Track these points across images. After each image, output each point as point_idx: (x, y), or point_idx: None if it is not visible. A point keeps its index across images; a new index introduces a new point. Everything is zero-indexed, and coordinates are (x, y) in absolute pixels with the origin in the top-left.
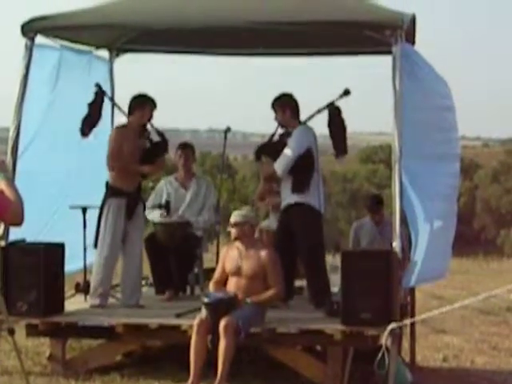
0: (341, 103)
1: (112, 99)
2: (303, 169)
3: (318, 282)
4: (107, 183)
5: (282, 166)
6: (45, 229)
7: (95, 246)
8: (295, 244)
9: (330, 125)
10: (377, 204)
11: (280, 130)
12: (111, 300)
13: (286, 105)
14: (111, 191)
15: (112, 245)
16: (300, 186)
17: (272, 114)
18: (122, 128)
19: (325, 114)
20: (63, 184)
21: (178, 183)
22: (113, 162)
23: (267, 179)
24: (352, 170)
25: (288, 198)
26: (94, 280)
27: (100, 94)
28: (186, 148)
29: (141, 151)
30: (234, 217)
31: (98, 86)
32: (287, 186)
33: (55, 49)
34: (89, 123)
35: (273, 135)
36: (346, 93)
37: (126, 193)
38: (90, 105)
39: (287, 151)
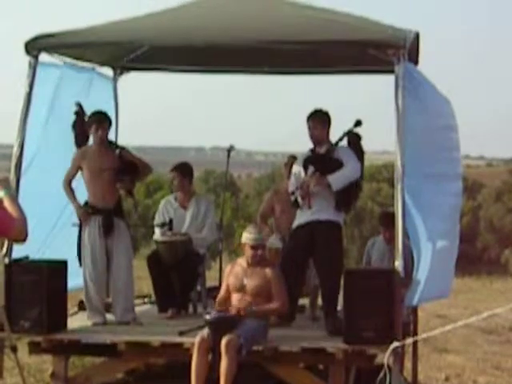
0: (344, 123)
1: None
2: (354, 190)
3: (333, 302)
4: (86, 201)
5: (342, 182)
6: (47, 246)
7: (80, 264)
8: (308, 261)
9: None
10: (389, 221)
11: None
12: (113, 317)
13: (326, 121)
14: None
15: (94, 264)
16: (345, 205)
17: (275, 133)
18: (83, 148)
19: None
20: (65, 201)
21: (178, 203)
22: (64, 184)
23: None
24: None
25: (322, 213)
26: (85, 300)
27: (80, 112)
28: (181, 172)
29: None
30: (256, 240)
31: (79, 105)
32: (325, 201)
33: (57, 66)
34: (81, 144)
35: (314, 149)
36: (358, 123)
37: (101, 210)
38: (74, 126)
39: (350, 168)
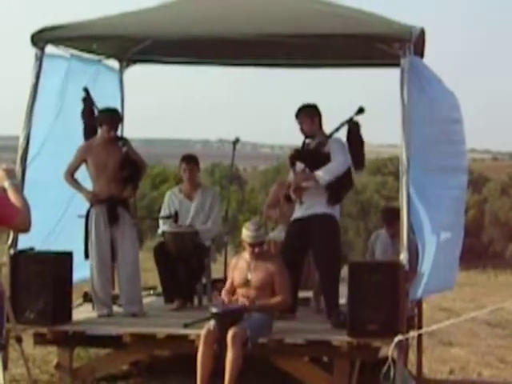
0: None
1: (97, 107)
2: (344, 182)
3: (334, 294)
4: None
5: (328, 176)
6: (53, 237)
7: (86, 257)
8: (305, 255)
9: (348, 139)
10: (392, 217)
11: (307, 140)
12: (119, 309)
13: (314, 114)
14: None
15: (99, 255)
16: (336, 198)
17: (281, 125)
18: (88, 143)
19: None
20: (71, 192)
21: (183, 195)
22: (66, 176)
23: (296, 189)
24: (361, 182)
25: (316, 207)
26: (92, 291)
27: (87, 99)
28: (191, 162)
29: (117, 161)
30: (253, 238)
31: (86, 90)
32: (317, 196)
33: (64, 58)
34: (89, 132)
35: (304, 144)
36: (361, 111)
37: (105, 200)
38: (82, 113)
39: (336, 163)
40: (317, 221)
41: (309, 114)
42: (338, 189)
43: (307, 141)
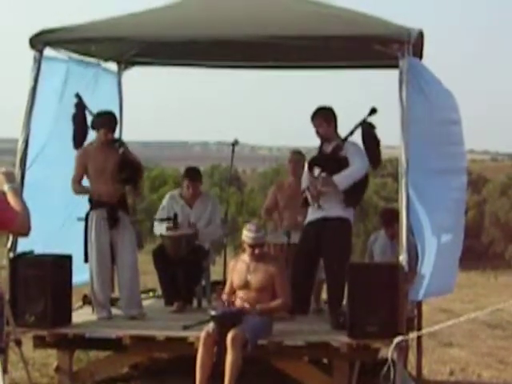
0: (350, 117)
1: (91, 112)
2: (361, 187)
3: (339, 297)
4: (90, 198)
5: (347, 182)
6: (52, 241)
7: (86, 260)
8: (319, 257)
9: (364, 139)
10: (390, 218)
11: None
12: (119, 312)
13: (330, 118)
14: (92, 204)
15: (99, 258)
16: (353, 202)
17: (279, 127)
18: (85, 148)
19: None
20: (70, 196)
21: (184, 201)
22: (74, 187)
23: (315, 194)
24: None
25: (332, 210)
26: (91, 294)
27: (80, 104)
28: (194, 179)
29: (114, 164)
30: (254, 239)
31: (78, 96)
32: (334, 199)
33: (63, 61)
34: (78, 137)
35: (321, 148)
36: (373, 111)
37: (105, 203)
38: (74, 118)
39: (355, 167)
40: (331, 224)
41: (325, 118)
42: (356, 192)
43: (323, 145)
